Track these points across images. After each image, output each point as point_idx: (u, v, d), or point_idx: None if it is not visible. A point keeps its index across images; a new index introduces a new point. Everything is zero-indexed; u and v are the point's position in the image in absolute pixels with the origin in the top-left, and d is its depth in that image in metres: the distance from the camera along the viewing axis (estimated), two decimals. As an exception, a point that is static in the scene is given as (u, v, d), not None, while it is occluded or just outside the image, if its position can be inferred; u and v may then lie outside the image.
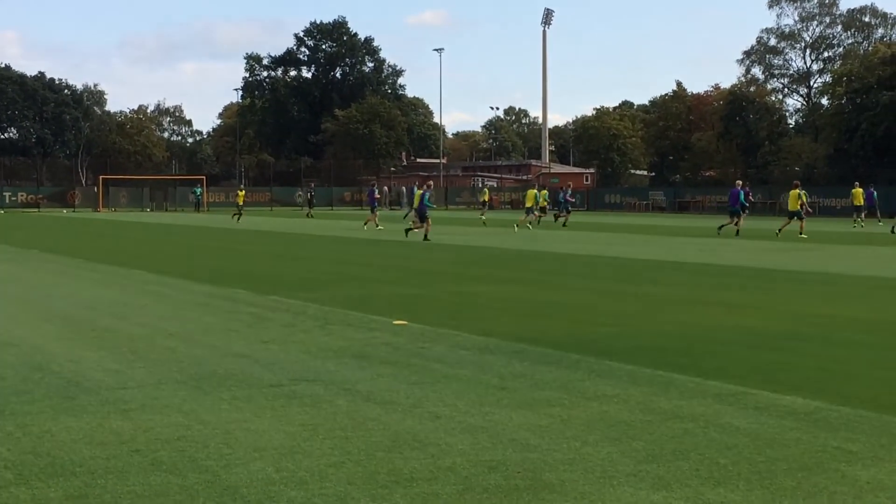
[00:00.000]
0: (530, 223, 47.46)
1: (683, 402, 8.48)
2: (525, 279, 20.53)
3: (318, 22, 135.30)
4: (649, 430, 7.52)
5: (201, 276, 20.67)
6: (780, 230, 38.36)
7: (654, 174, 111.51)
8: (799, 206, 38.81)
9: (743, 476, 6.36)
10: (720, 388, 9.04)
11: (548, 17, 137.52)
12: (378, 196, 52.84)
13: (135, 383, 9.34)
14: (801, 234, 37.95)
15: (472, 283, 19.52)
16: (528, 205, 48.67)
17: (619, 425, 7.65)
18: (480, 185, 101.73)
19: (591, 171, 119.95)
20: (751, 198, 49.71)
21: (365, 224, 47.19)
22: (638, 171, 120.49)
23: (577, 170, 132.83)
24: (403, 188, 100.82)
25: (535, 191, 50.75)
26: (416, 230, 36.69)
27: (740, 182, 43.89)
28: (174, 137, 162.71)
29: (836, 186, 76.01)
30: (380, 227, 45.36)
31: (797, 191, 39.26)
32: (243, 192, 63.17)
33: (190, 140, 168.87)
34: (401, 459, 6.73)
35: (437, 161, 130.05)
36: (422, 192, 37.80)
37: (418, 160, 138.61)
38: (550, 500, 5.92)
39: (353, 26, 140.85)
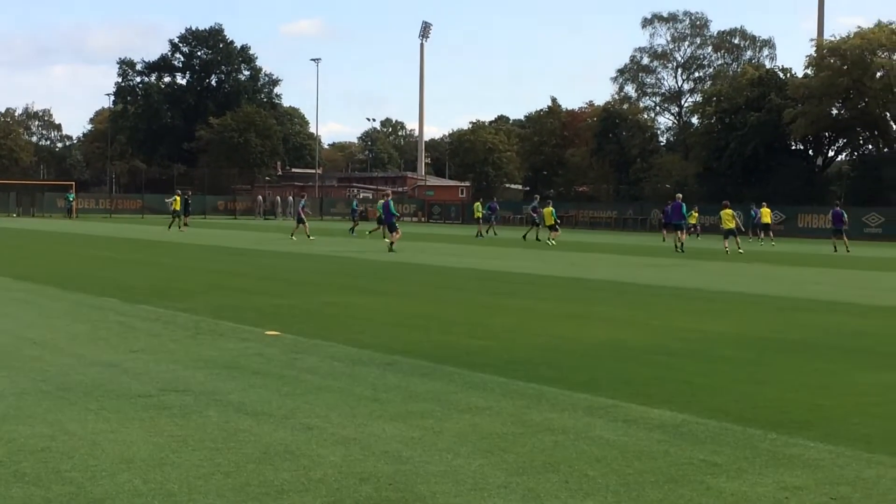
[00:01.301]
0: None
1: (554, 414, 8.55)
2: (400, 291, 20.54)
3: (193, 28, 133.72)
4: (520, 442, 7.56)
5: (69, 284, 20.23)
6: (731, 249, 39.13)
7: (528, 188, 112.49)
8: (733, 224, 39.71)
9: (611, 488, 6.43)
10: (591, 400, 9.14)
11: (425, 30, 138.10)
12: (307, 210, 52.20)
13: (-3, 393, 9.09)
14: (739, 250, 39.11)
15: (345, 294, 19.45)
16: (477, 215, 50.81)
17: (491, 437, 7.68)
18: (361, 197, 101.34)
19: (467, 184, 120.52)
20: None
21: (292, 235, 46.61)
22: (513, 185, 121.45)
23: (452, 183, 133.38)
24: (278, 198, 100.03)
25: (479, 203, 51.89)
26: (392, 241, 36.23)
27: (680, 195, 44.83)
28: (43, 142, 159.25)
29: (707, 204, 77.66)
30: (311, 237, 45.18)
31: (730, 210, 40.22)
32: (179, 198, 59.48)
33: (59, 145, 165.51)
34: (272, 471, 6.66)
35: (313, 171, 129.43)
36: (383, 201, 38.06)
37: (294, 170, 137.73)
38: (422, 513, 5.90)
39: (230, 34, 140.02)
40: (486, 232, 56.79)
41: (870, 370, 11.29)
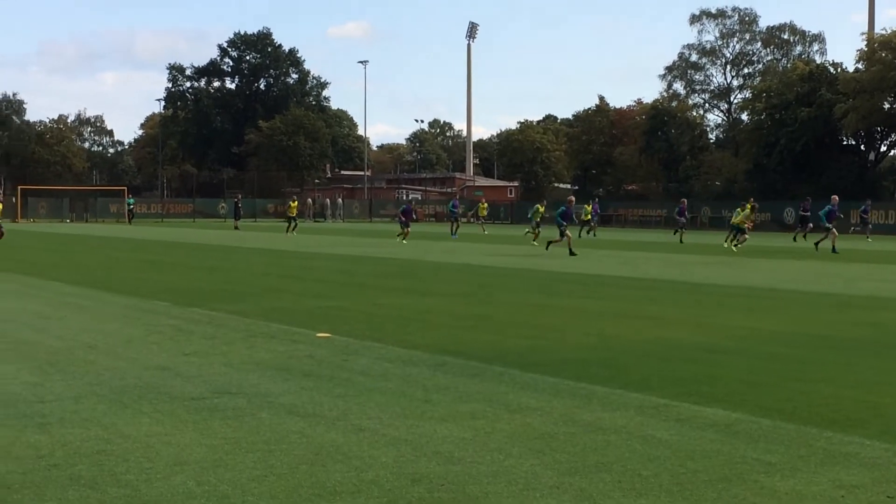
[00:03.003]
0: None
1: (606, 413, 8.52)
2: (447, 291, 20.55)
3: (241, 33, 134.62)
4: (572, 442, 7.54)
5: (122, 288, 20.42)
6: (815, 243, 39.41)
7: (577, 188, 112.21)
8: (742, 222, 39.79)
9: (664, 487, 6.40)
10: (642, 399, 9.10)
11: (472, 30, 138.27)
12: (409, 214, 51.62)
13: (53, 396, 9.19)
14: (735, 246, 39.26)
15: (396, 296, 19.50)
16: (537, 218, 47.98)
17: (542, 437, 7.67)
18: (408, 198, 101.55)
19: (515, 184, 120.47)
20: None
21: (403, 238, 46.54)
22: (562, 185, 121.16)
23: (501, 183, 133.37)
24: (328, 200, 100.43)
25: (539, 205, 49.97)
26: (556, 243, 35.67)
27: (684, 201, 45.25)
28: (95, 148, 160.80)
29: (757, 201, 77.09)
30: (404, 241, 45.17)
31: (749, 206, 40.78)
32: (296, 202, 62.08)
33: (111, 150, 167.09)
34: (324, 473, 6.68)
35: (362, 173, 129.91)
36: (545, 207, 36.41)
37: (343, 172, 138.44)
38: (474, 513, 5.91)
39: (277, 37, 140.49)
40: (589, 232, 56.26)
41: (925, 367, 11.16)
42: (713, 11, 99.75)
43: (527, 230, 50.85)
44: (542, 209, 48.70)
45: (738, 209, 40.77)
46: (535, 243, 43.04)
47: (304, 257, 33.20)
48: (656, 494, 6.26)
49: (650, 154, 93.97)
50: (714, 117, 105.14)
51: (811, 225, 49.44)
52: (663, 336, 13.50)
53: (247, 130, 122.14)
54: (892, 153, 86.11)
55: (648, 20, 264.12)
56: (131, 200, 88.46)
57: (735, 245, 39.29)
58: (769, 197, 76.56)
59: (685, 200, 52.16)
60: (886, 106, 75.88)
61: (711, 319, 15.70)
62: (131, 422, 8.14)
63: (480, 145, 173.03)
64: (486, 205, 69.61)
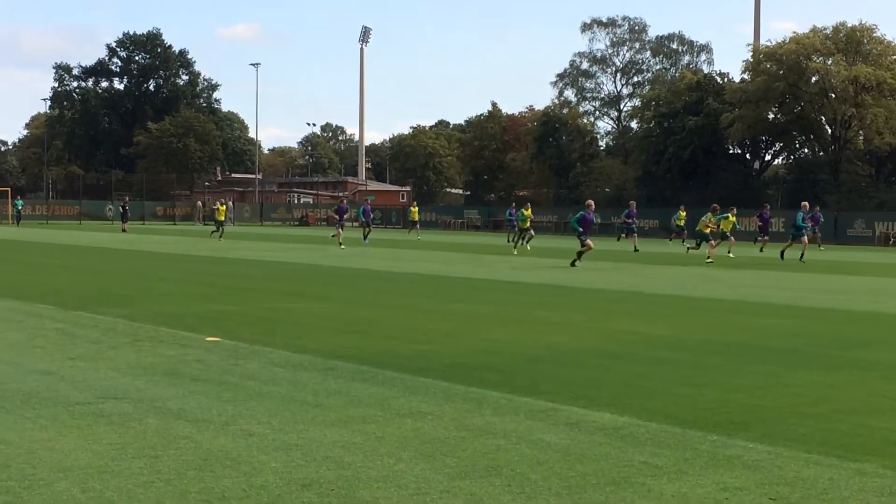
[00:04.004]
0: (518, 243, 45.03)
1: (496, 418, 8.57)
2: (339, 296, 20.49)
3: (130, 33, 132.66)
4: (462, 446, 7.57)
5: (5, 292, 19.97)
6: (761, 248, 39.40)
7: (469, 193, 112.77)
8: (706, 229, 38.05)
9: (553, 491, 6.45)
10: (532, 404, 9.16)
11: (365, 34, 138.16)
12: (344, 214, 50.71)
13: (-68, 402, 8.96)
14: (708, 258, 36.13)
15: (288, 300, 19.39)
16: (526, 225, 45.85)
17: (433, 442, 7.69)
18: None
19: (407, 189, 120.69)
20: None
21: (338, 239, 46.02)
22: (453, 190, 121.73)
23: (393, 187, 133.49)
24: (218, 203, 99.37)
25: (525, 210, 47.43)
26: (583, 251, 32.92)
27: (633, 202, 44.82)
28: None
29: (645, 208, 78.36)
30: (342, 245, 44.61)
31: (715, 216, 38.52)
32: (224, 206, 58.75)
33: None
34: (212, 478, 6.61)
35: (253, 177, 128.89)
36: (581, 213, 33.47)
37: (233, 175, 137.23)
38: (364, 518, 5.90)
39: (167, 38, 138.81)
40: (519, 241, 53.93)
41: (804, 371, 11.42)
42: (604, 20, 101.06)
43: (512, 238, 49.91)
44: (528, 213, 46.32)
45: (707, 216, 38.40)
46: (516, 253, 41.66)
47: (194, 261, 32.83)
48: (545, 498, 6.31)
49: (541, 160, 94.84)
50: (604, 125, 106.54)
51: (767, 237, 48.03)
52: (553, 341, 13.62)
53: (136, 132, 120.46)
54: (776, 162, 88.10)
55: (541, 28, 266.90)
56: (20, 202, 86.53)
57: (708, 257, 36.15)
58: (658, 204, 77.86)
59: (633, 203, 50.81)
60: (771, 116, 77.64)
61: (600, 324, 15.89)
62: (13, 427, 7.96)
63: (373, 150, 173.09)
64: (416, 208, 68.89)
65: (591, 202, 35.75)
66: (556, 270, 30.02)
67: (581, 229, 32.94)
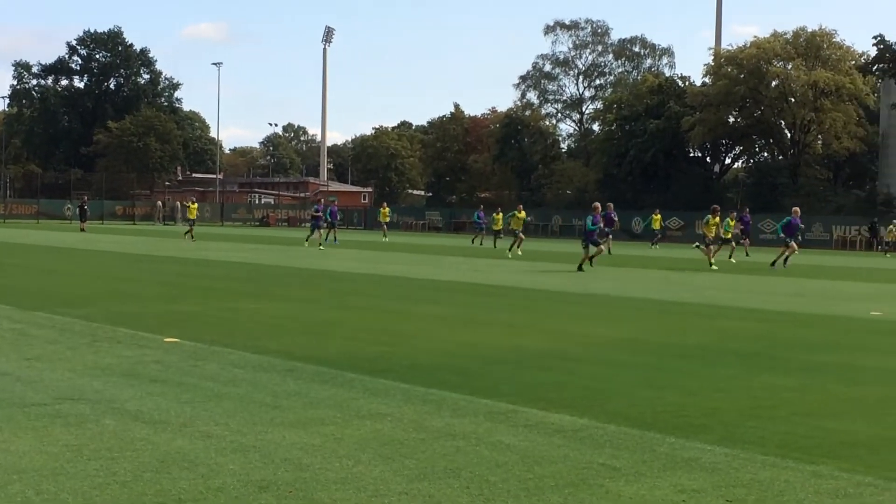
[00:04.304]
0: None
1: (455, 420, 8.56)
2: (301, 297, 20.43)
3: (91, 31, 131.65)
4: (421, 448, 7.56)
5: (-39, 291, 19.78)
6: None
7: (430, 194, 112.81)
8: (713, 233, 36.35)
9: (512, 493, 6.45)
10: (492, 406, 9.16)
11: (328, 35, 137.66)
12: (320, 213, 49.37)
13: None
14: (711, 263, 34.78)
15: (248, 300, 19.31)
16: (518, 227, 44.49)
17: (392, 444, 7.67)
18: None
19: (369, 189, 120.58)
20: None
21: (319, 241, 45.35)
22: (415, 191, 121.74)
23: (355, 188, 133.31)
24: (178, 203, 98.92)
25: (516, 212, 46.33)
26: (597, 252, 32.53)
27: (610, 205, 44.17)
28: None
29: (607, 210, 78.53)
30: (321, 247, 44.21)
31: (717, 217, 36.42)
32: (195, 205, 56.77)
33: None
34: (169, 480, 6.56)
35: (214, 176, 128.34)
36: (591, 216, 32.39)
37: (194, 175, 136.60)
38: (322, 520, 5.87)
39: (129, 36, 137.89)
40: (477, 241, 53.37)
41: (763, 373, 11.49)
42: (567, 23, 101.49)
43: (478, 240, 51.05)
44: (521, 215, 45.46)
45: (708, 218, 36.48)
46: (510, 256, 40.99)
47: (154, 261, 32.63)
48: (504, 500, 6.31)
49: (503, 162, 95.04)
50: (566, 127, 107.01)
51: (747, 240, 46.84)
52: (513, 343, 13.63)
53: (96, 130, 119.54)
54: (736, 165, 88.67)
55: (504, 29, 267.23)
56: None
57: (710, 261, 34.82)
58: (619, 206, 78.06)
59: (611, 205, 48.15)
60: (731, 119, 78.16)
61: (561, 326, 15.92)
62: (-32, 429, 7.87)
63: (335, 150, 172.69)
64: (387, 209, 68.18)
65: (597, 204, 34.42)
66: (519, 273, 30.06)
67: (593, 230, 32.19)
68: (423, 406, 9.12)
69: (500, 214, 48.42)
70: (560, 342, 13.88)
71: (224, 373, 10.70)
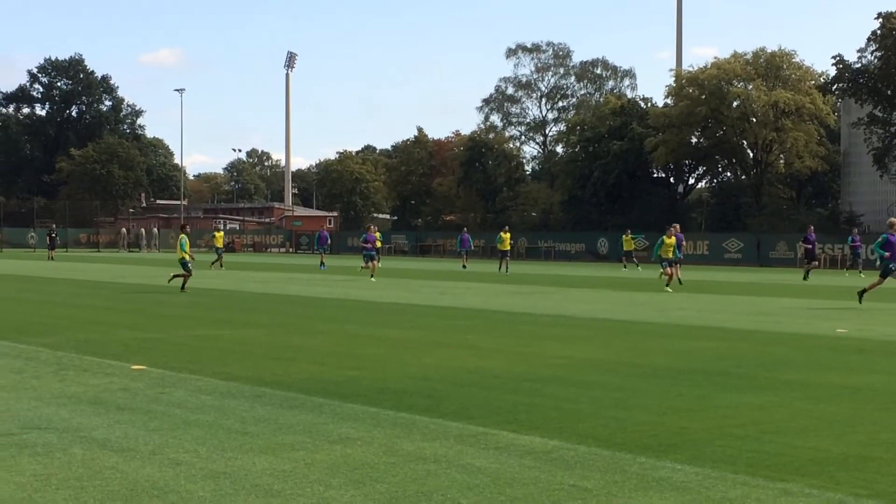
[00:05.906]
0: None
1: (426, 443, 8.55)
2: (268, 322, 20.37)
3: (52, 58, 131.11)
4: (392, 472, 7.54)
5: (-76, 321, 19.60)
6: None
7: (396, 218, 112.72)
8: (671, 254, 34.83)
9: (484, 515, 6.45)
10: (462, 428, 9.16)
11: (291, 60, 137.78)
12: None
13: None
14: (673, 281, 34.48)
15: (214, 327, 19.23)
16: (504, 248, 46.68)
17: (363, 468, 7.65)
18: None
19: (335, 214, 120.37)
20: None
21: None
22: (381, 215, 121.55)
23: (320, 213, 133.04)
24: (143, 230, 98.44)
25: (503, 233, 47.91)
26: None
27: (677, 226, 43.30)
28: None
29: (571, 232, 79.06)
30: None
31: (672, 238, 34.91)
32: (221, 233, 54.75)
33: None
34: (139, 509, 6.52)
35: (178, 203, 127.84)
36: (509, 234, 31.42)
37: (158, 202, 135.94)
38: (294, 546, 5.84)
39: (90, 64, 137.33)
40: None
41: (731, 392, 11.54)
42: (529, 45, 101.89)
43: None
44: (506, 236, 47.42)
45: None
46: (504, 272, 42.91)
47: (119, 288, 32.45)
48: (476, 522, 6.30)
49: (468, 185, 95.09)
50: (530, 149, 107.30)
51: (816, 263, 44.13)
52: (482, 365, 13.63)
53: (58, 158, 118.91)
54: (699, 186, 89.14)
55: (466, 53, 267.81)
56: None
57: (666, 282, 34.18)
58: (584, 227, 78.54)
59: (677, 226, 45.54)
60: (694, 140, 78.52)
61: (529, 349, 15.93)
62: (-66, 460, 7.79)
63: (299, 175, 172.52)
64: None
65: (677, 225, 35.78)
66: (486, 295, 30.08)
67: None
68: (393, 430, 9.11)
69: (508, 234, 48.63)
70: (528, 364, 13.89)
71: (192, 399, 10.65)
